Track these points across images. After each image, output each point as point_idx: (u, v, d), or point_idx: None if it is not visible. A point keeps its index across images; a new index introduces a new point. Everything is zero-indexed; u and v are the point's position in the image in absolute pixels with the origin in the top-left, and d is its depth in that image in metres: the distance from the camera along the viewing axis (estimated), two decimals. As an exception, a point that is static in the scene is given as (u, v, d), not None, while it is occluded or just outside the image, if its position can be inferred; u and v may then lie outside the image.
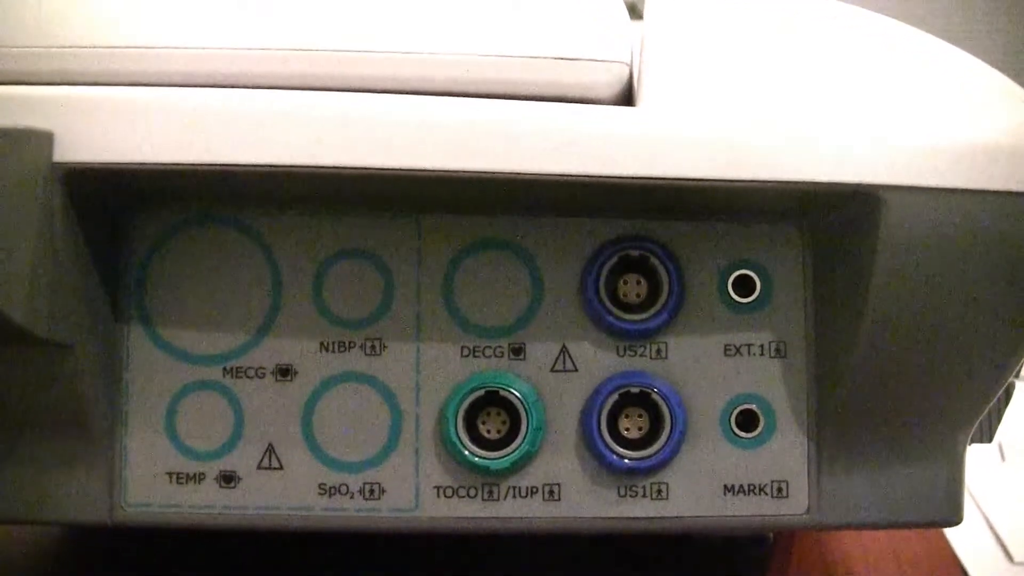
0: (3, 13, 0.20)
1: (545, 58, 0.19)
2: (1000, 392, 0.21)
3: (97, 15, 0.20)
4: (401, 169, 0.18)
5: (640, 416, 0.20)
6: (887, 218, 0.19)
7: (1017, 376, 0.23)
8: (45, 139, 0.18)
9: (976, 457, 0.37)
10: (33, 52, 0.19)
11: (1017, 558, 0.31)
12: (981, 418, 0.23)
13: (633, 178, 0.18)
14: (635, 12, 0.21)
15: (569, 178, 0.18)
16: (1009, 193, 0.19)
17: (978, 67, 0.21)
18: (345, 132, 0.19)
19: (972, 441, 0.23)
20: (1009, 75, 0.21)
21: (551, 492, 0.21)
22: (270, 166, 0.19)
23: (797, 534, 0.31)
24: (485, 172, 0.18)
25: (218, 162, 0.19)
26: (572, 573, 0.28)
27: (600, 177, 0.18)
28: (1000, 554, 0.31)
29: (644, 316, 0.20)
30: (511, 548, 0.28)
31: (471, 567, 0.28)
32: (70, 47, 0.20)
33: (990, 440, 0.23)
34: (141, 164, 0.19)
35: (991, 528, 0.32)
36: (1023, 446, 0.38)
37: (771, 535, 0.26)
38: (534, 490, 0.21)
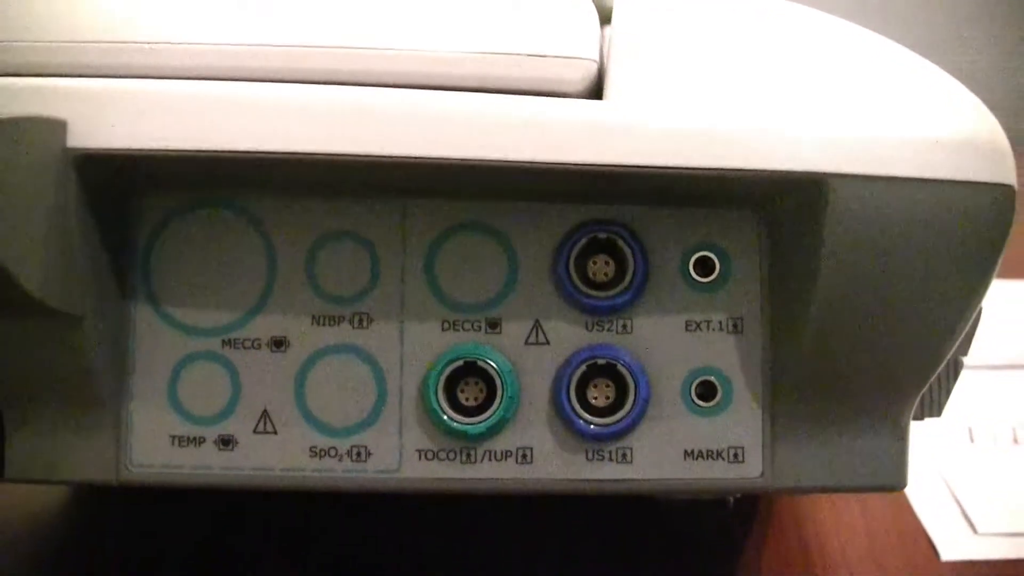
0: (20, 9, 0.21)
1: (520, 55, 0.21)
2: (942, 367, 0.23)
3: (108, 11, 0.21)
4: (386, 156, 0.20)
5: (607, 386, 0.22)
6: (834, 204, 0.20)
7: (964, 354, 0.25)
8: (59, 127, 0.20)
9: (947, 439, 0.38)
10: (48, 46, 0.21)
11: (980, 530, 0.32)
12: (930, 394, 0.24)
13: (599, 165, 0.20)
14: (605, 12, 0.23)
15: (540, 165, 0.20)
16: (947, 181, 0.20)
17: (923, 65, 0.22)
18: (334, 122, 0.20)
19: (924, 416, 0.25)
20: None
21: (524, 456, 0.22)
22: (265, 153, 0.20)
23: (774, 512, 0.32)
24: (463, 160, 0.20)
25: (217, 149, 0.20)
26: (542, 539, 0.30)
27: (569, 165, 0.20)
28: (965, 526, 0.32)
29: (611, 294, 0.22)
30: (483, 513, 0.30)
31: (447, 529, 0.29)
32: (83, 41, 0.21)
33: (939, 414, 0.25)
34: (148, 150, 0.20)
35: (958, 503, 0.34)
36: (991, 430, 0.40)
37: (731, 500, 0.27)
38: (508, 454, 0.22)
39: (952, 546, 0.31)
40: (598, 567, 0.29)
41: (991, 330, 0.47)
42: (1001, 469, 0.37)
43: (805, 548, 0.31)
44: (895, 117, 0.21)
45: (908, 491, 0.34)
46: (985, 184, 0.20)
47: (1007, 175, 0.21)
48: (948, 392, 0.25)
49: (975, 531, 0.32)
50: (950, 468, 0.36)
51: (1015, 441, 0.39)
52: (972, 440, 0.39)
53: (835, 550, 0.31)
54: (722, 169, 0.20)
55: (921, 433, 0.38)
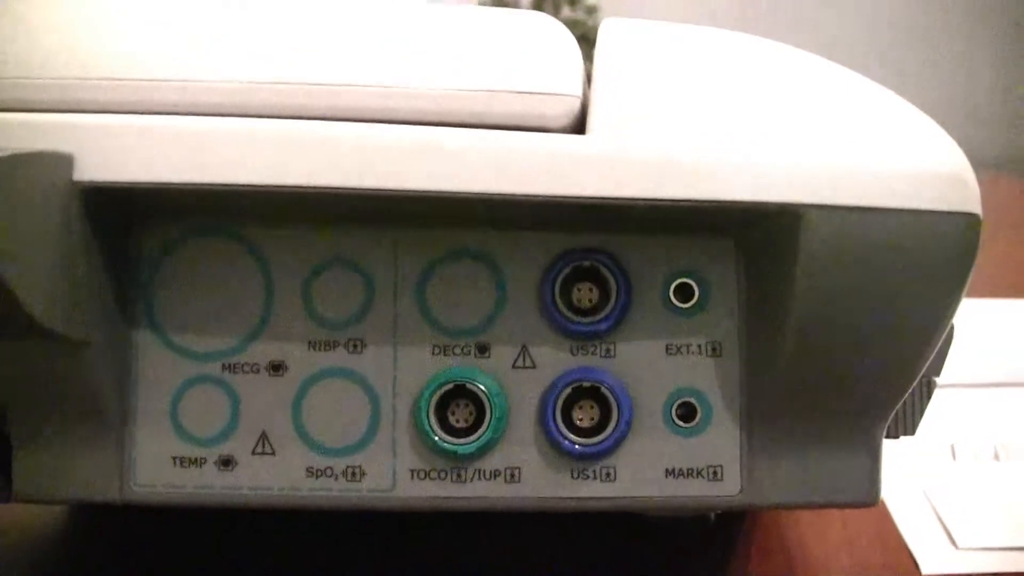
0: (25, 46, 0.22)
1: (505, 92, 0.22)
2: (914, 387, 0.24)
3: (112, 49, 0.22)
4: (377, 190, 0.21)
5: (591, 407, 0.23)
6: (806, 232, 0.21)
7: (936, 374, 0.25)
8: (66, 161, 0.20)
9: (930, 457, 0.39)
10: (54, 83, 0.21)
11: (961, 544, 0.33)
12: (903, 413, 0.25)
13: (581, 198, 0.21)
14: (587, 42, 0.24)
15: (524, 198, 0.21)
16: (914, 211, 0.21)
17: (892, 100, 0.23)
18: (326, 157, 0.21)
19: (898, 435, 0.25)
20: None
21: (512, 474, 0.23)
22: (263, 186, 0.21)
23: (758, 525, 0.33)
24: (450, 193, 0.21)
25: (218, 182, 0.21)
26: (527, 556, 0.30)
27: (552, 198, 0.21)
28: (946, 540, 0.33)
29: (595, 319, 0.23)
30: (471, 528, 0.30)
31: (436, 538, 0.30)
32: (88, 78, 0.22)
33: (913, 433, 0.26)
34: (151, 183, 0.21)
35: (939, 518, 0.34)
36: (972, 448, 0.40)
37: (712, 515, 0.28)
38: (497, 473, 0.23)
39: (933, 560, 0.32)
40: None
41: (974, 349, 0.48)
42: (982, 485, 0.37)
43: (789, 563, 0.31)
44: (865, 150, 0.22)
45: (890, 506, 0.35)
46: (951, 213, 0.21)
47: (972, 204, 0.22)
48: (922, 411, 0.25)
49: (956, 546, 0.33)
50: (932, 484, 0.37)
51: (996, 458, 0.40)
52: (954, 457, 0.40)
53: (817, 564, 0.31)
54: (699, 201, 0.21)
55: (903, 451, 0.39)
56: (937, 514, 0.35)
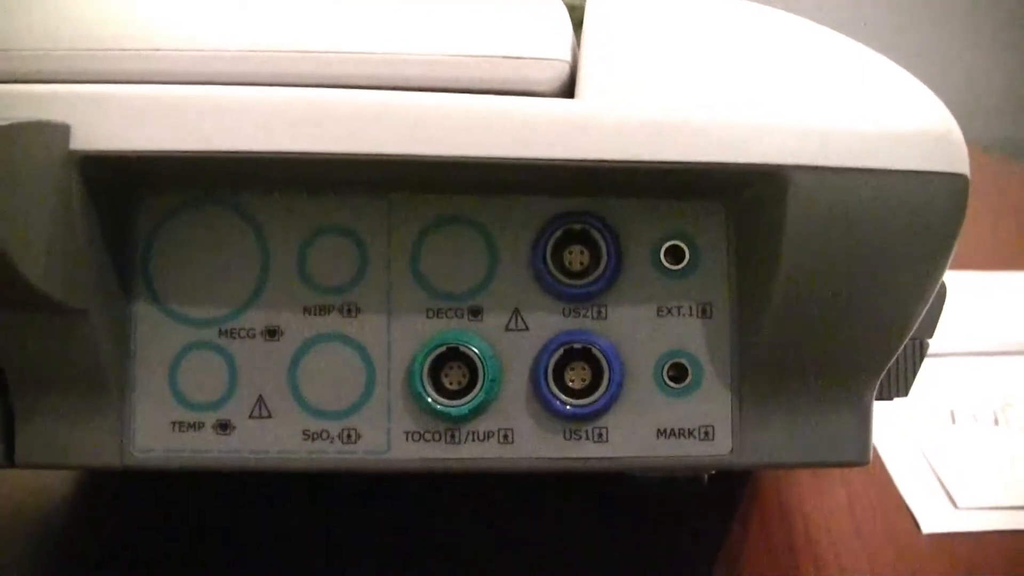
0: (22, 19, 0.22)
1: (495, 57, 0.22)
2: (905, 348, 0.24)
3: (106, 19, 0.22)
4: (368, 155, 0.21)
5: (583, 369, 0.23)
6: (794, 194, 0.21)
7: (929, 335, 0.26)
8: (63, 130, 0.21)
9: (930, 422, 0.39)
10: (50, 53, 0.22)
11: (960, 504, 0.33)
12: (896, 373, 0.25)
13: (570, 160, 0.21)
14: (578, 13, 0.24)
15: (514, 161, 0.21)
16: (902, 172, 0.21)
17: (879, 61, 0.23)
18: (319, 124, 0.21)
19: (891, 396, 0.26)
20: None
21: (505, 436, 0.23)
22: (257, 153, 0.21)
23: (757, 489, 0.33)
24: (442, 157, 0.21)
25: (212, 150, 0.21)
26: (523, 514, 0.31)
27: (541, 160, 0.21)
28: (946, 501, 0.33)
29: (586, 282, 0.23)
30: (466, 490, 0.31)
31: (434, 505, 0.30)
32: (83, 49, 0.22)
33: (906, 394, 0.26)
34: (147, 152, 0.21)
35: (939, 480, 0.35)
36: (970, 411, 0.41)
37: (705, 477, 0.29)
38: (490, 434, 0.23)
39: (933, 520, 0.32)
40: (577, 548, 0.30)
41: (974, 319, 0.49)
42: (981, 447, 0.38)
43: (789, 525, 0.32)
44: (852, 110, 0.22)
45: (891, 469, 0.35)
46: (939, 174, 0.22)
47: (960, 165, 0.22)
48: (914, 372, 0.26)
49: (955, 505, 0.33)
50: (932, 447, 0.37)
51: (996, 423, 0.40)
52: (954, 422, 0.41)
53: (818, 525, 0.32)
54: (687, 163, 0.21)
55: (904, 416, 0.39)
56: (937, 475, 0.35)
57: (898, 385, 0.25)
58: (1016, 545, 0.31)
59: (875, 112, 0.22)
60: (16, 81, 0.21)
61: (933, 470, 0.36)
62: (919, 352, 0.25)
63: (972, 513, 0.33)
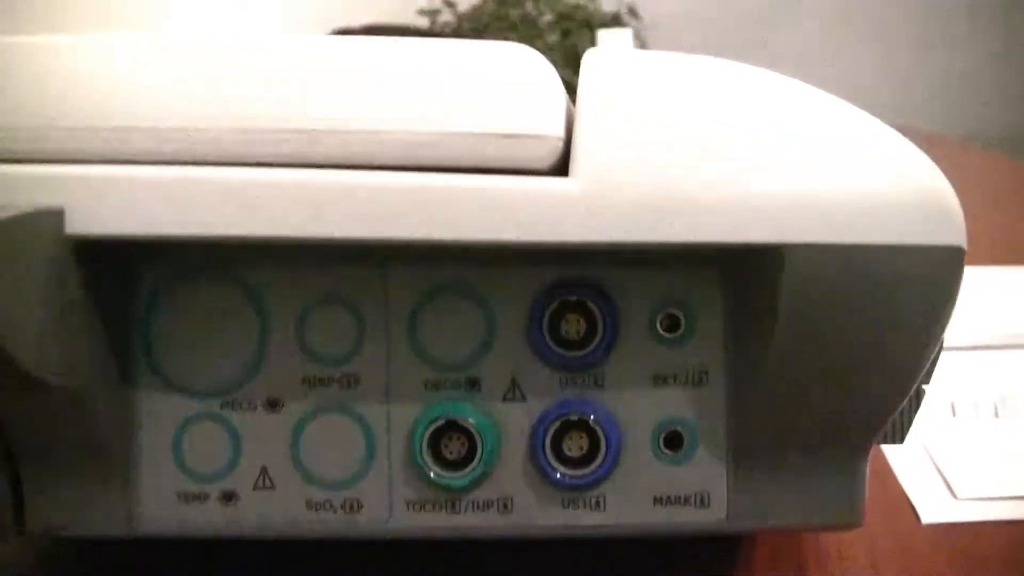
0: (12, 97, 0.22)
1: (485, 135, 0.21)
2: (901, 406, 0.24)
3: (100, 97, 0.22)
4: (366, 239, 0.21)
5: (581, 438, 0.23)
6: (789, 269, 0.21)
7: (925, 383, 0.26)
8: (57, 215, 0.21)
9: (930, 415, 0.40)
10: (42, 132, 0.22)
11: (960, 495, 0.33)
12: (892, 423, 0.25)
13: (565, 244, 0.21)
14: (590, 28, 0.24)
15: (507, 244, 0.21)
16: (897, 246, 0.21)
17: (876, 128, 0.23)
18: (316, 206, 0.21)
19: (886, 442, 0.26)
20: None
21: (504, 505, 0.23)
22: (254, 237, 0.21)
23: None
24: (436, 241, 0.21)
25: (209, 234, 0.21)
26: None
27: (535, 244, 0.21)
28: (946, 492, 0.34)
29: (583, 351, 0.23)
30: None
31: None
32: (76, 128, 0.22)
33: (902, 441, 0.26)
34: (144, 235, 0.21)
35: (939, 472, 0.35)
36: (970, 405, 0.41)
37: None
38: (490, 503, 0.23)
39: (933, 510, 0.32)
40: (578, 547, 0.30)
41: (974, 312, 0.48)
42: (981, 439, 0.38)
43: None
44: (849, 184, 0.21)
45: (891, 461, 0.36)
46: (934, 247, 0.21)
47: (956, 237, 0.22)
48: (910, 421, 0.26)
49: (955, 496, 0.33)
50: (932, 440, 0.38)
51: (996, 415, 0.41)
52: (954, 414, 0.41)
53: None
54: (683, 244, 0.21)
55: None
56: (937, 467, 0.35)
57: (894, 434, 0.26)
58: (1015, 535, 0.31)
59: (872, 185, 0.22)
60: (8, 161, 0.21)
61: (933, 462, 0.36)
62: (915, 401, 0.25)
63: (971, 504, 0.33)
